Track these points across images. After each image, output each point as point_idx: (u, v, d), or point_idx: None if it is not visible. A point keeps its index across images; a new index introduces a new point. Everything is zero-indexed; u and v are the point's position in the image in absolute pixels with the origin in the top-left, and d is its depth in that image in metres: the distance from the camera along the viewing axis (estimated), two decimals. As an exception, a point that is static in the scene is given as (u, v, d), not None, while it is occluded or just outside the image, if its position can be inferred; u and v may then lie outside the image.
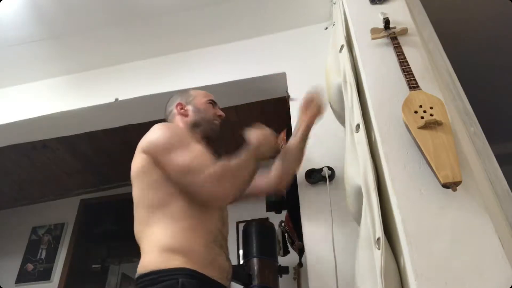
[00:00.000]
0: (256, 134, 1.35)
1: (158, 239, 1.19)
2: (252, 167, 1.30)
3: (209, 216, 1.28)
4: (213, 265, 1.19)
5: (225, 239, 1.33)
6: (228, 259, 1.29)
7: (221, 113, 1.57)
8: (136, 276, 1.19)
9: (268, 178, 1.57)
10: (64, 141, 2.96)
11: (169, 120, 1.54)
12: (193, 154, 1.24)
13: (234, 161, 1.24)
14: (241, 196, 1.39)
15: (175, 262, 1.14)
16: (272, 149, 1.40)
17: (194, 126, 1.48)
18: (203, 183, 1.18)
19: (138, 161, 1.32)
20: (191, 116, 1.51)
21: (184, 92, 1.61)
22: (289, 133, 1.77)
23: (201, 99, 1.56)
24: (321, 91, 1.61)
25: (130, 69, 2.45)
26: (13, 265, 3.45)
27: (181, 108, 1.53)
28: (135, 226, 1.29)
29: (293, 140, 1.56)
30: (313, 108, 1.56)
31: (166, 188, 1.26)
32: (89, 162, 3.41)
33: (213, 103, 1.57)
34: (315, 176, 1.66)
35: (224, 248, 1.30)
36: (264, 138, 1.36)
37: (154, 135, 1.33)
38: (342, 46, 1.52)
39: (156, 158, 1.27)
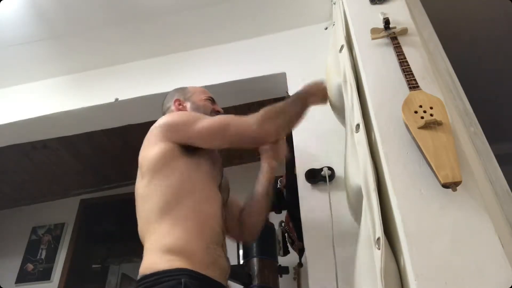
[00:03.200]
0: (310, 84, 1.49)
1: (162, 240, 1.19)
2: (297, 110, 1.41)
3: (215, 214, 1.28)
4: (215, 266, 1.19)
5: (224, 238, 1.33)
6: (227, 259, 1.29)
7: (220, 109, 1.56)
8: (138, 277, 1.18)
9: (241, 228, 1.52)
10: (64, 141, 2.96)
11: None
12: (220, 116, 1.39)
13: (277, 104, 1.35)
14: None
15: (177, 263, 1.13)
16: (323, 100, 1.53)
17: None
18: (248, 127, 1.29)
19: (154, 152, 1.28)
20: None
21: (182, 88, 1.61)
22: (289, 138, 1.75)
23: (199, 96, 1.55)
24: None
25: (130, 69, 2.45)
26: (13, 265, 3.45)
27: (179, 104, 1.52)
28: (139, 224, 1.27)
29: (259, 189, 1.47)
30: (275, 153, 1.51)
31: (180, 182, 1.25)
32: (89, 162, 3.41)
33: (211, 100, 1.56)
34: (315, 176, 1.66)
35: (224, 247, 1.30)
36: (316, 89, 1.49)
37: (171, 118, 1.37)
38: (342, 46, 1.51)
39: (182, 135, 1.30)
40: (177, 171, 1.26)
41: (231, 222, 1.47)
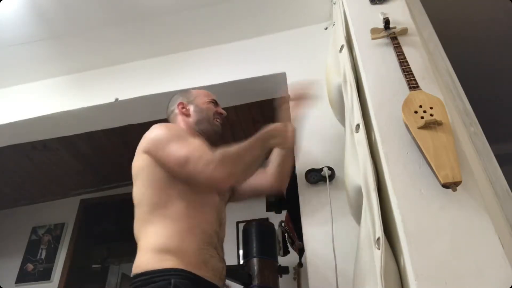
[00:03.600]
0: (273, 125, 1.39)
1: (154, 239, 1.21)
2: (257, 153, 1.31)
3: (207, 217, 1.29)
4: (207, 266, 1.20)
5: (221, 241, 1.34)
6: (222, 261, 1.30)
7: (223, 111, 1.57)
8: (131, 276, 1.19)
9: (267, 173, 1.57)
10: (64, 141, 2.96)
11: (171, 120, 1.54)
12: (191, 146, 1.27)
13: (235, 147, 1.27)
14: (248, 192, 1.45)
15: (168, 262, 1.15)
16: (283, 144, 1.43)
17: (196, 125, 1.48)
18: (202, 169, 1.20)
19: (139, 162, 1.33)
20: (193, 116, 1.51)
21: (185, 91, 1.62)
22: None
23: (202, 99, 1.56)
24: (310, 85, 1.59)
25: (130, 69, 2.45)
26: (13, 265, 3.45)
27: (183, 108, 1.53)
28: (134, 225, 1.30)
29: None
30: (301, 103, 1.54)
31: (166, 189, 1.27)
32: (89, 162, 3.41)
33: (214, 102, 1.57)
34: (315, 176, 1.66)
35: (218, 250, 1.30)
36: (278, 131, 1.39)
37: (152, 133, 1.35)
38: (342, 46, 1.52)
39: (156, 154, 1.29)
40: (164, 178, 1.28)
41: (259, 180, 1.52)
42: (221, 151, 1.24)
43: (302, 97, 1.55)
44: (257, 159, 1.33)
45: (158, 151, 1.29)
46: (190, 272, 1.14)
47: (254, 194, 1.61)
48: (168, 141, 1.29)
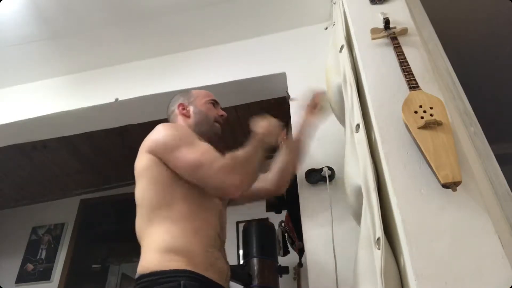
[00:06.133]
0: (261, 124, 1.39)
1: (160, 239, 1.20)
2: (259, 156, 1.33)
3: (210, 220, 1.29)
4: (213, 268, 1.20)
5: (223, 243, 1.34)
6: (227, 263, 1.30)
7: (223, 112, 1.57)
8: (136, 276, 1.19)
9: (267, 178, 1.58)
10: (64, 141, 2.96)
11: (171, 120, 1.54)
12: (201, 150, 1.26)
13: (242, 152, 1.27)
14: (247, 197, 1.46)
15: (176, 263, 1.14)
16: (277, 138, 1.44)
17: (196, 126, 1.48)
18: (215, 175, 1.20)
19: (143, 161, 1.32)
20: (193, 117, 1.51)
21: (185, 92, 1.61)
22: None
23: (202, 100, 1.56)
24: (323, 93, 1.63)
25: (130, 69, 2.45)
26: (13, 265, 3.45)
27: (183, 109, 1.53)
28: (136, 224, 1.29)
29: (296, 137, 1.59)
30: (318, 109, 1.59)
31: (169, 189, 1.27)
32: (89, 162, 3.42)
33: (214, 103, 1.57)
34: (315, 176, 1.66)
35: (222, 251, 1.30)
36: (269, 128, 1.40)
37: (159, 134, 1.34)
38: (342, 46, 1.52)
39: (163, 156, 1.28)
40: (167, 178, 1.28)
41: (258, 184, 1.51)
42: (231, 156, 1.24)
43: (317, 107, 1.58)
44: (260, 162, 1.35)
45: (165, 154, 1.28)
46: (198, 274, 1.14)
47: (253, 199, 1.62)
48: (177, 144, 1.28)
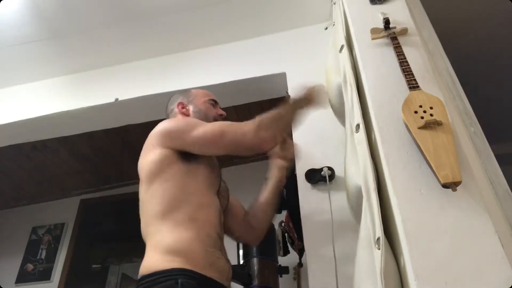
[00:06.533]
0: (311, 89, 1.44)
1: (162, 241, 1.20)
2: (293, 116, 1.42)
3: (211, 220, 1.29)
4: (213, 267, 1.20)
5: (222, 243, 1.34)
6: (228, 262, 1.30)
7: (222, 112, 1.57)
8: (138, 277, 1.19)
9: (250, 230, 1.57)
10: (64, 141, 2.96)
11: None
12: (218, 124, 1.36)
13: (273, 111, 1.34)
14: (230, 231, 1.48)
15: (175, 263, 1.14)
16: (315, 104, 1.47)
17: None
18: (244, 135, 1.28)
19: (151, 157, 1.31)
20: (192, 116, 1.51)
21: (185, 91, 1.62)
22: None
23: (202, 99, 1.56)
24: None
25: (130, 69, 2.45)
26: (13, 265, 3.45)
27: (183, 108, 1.53)
28: (142, 224, 1.29)
29: (265, 194, 1.53)
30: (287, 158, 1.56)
31: (179, 186, 1.27)
32: (89, 162, 3.42)
33: (214, 102, 1.57)
34: (315, 176, 1.66)
35: (223, 251, 1.30)
36: (316, 94, 1.45)
37: (169, 124, 1.37)
38: (342, 46, 1.52)
39: (179, 142, 1.31)
40: (173, 177, 1.28)
41: (235, 225, 1.51)
42: (255, 119, 1.30)
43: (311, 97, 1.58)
44: (294, 120, 1.45)
45: (182, 137, 1.31)
46: (197, 273, 1.14)
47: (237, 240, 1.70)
48: (192, 125, 1.33)
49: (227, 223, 1.42)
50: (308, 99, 1.43)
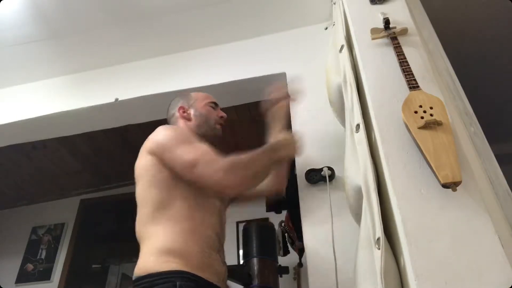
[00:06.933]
0: (283, 136, 1.40)
1: (158, 241, 1.20)
2: (266, 163, 1.32)
3: (209, 221, 1.29)
4: (210, 269, 1.20)
5: (222, 244, 1.34)
6: (224, 264, 1.30)
7: (223, 114, 1.57)
8: (133, 278, 1.19)
9: (265, 179, 1.57)
10: (64, 141, 2.96)
11: (172, 123, 1.54)
12: (200, 150, 1.27)
13: (246, 155, 1.26)
14: (247, 196, 1.47)
15: (173, 265, 1.14)
16: (291, 155, 1.44)
17: (197, 129, 1.48)
18: (212, 174, 1.21)
19: (143, 162, 1.33)
20: (194, 120, 1.51)
21: (185, 95, 1.61)
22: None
23: (202, 102, 1.56)
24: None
25: (130, 69, 2.45)
26: (13, 265, 3.45)
27: (184, 112, 1.53)
28: (136, 225, 1.30)
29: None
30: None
31: (169, 190, 1.27)
32: (89, 162, 3.42)
33: (214, 105, 1.58)
34: (315, 176, 1.66)
35: (220, 253, 1.30)
36: (286, 142, 1.40)
37: (159, 135, 1.36)
38: (342, 46, 1.52)
39: (162, 156, 1.29)
40: (165, 180, 1.29)
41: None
42: (231, 158, 1.23)
43: (283, 98, 1.58)
44: (265, 170, 1.33)
45: (165, 153, 1.29)
46: (194, 275, 1.14)
47: (254, 198, 1.63)
48: (176, 144, 1.29)
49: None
50: (283, 145, 1.39)
